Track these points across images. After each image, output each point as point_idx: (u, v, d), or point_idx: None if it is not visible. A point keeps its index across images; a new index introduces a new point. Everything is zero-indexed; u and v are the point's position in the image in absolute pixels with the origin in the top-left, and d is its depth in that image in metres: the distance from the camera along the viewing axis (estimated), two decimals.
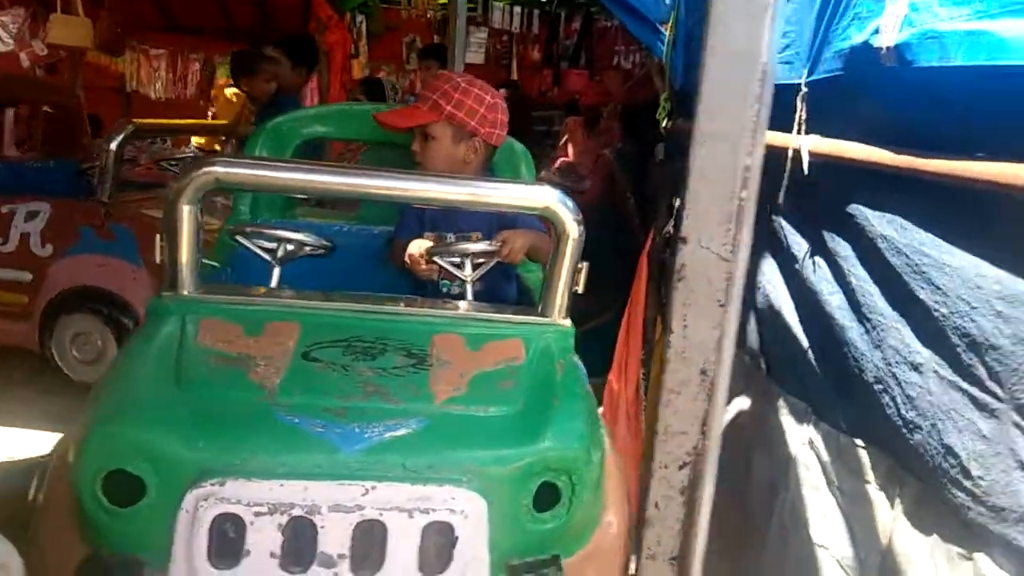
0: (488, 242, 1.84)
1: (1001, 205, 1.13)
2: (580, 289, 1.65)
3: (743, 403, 2.00)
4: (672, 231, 2.53)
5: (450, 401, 1.36)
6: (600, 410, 2.67)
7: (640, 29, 2.74)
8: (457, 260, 1.81)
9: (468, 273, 1.81)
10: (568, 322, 1.65)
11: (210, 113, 8.55)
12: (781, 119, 1.74)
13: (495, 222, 2.02)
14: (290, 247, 1.76)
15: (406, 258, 1.95)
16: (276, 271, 1.75)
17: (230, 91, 7.65)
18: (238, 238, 1.74)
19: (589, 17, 8.23)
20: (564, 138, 5.48)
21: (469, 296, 1.80)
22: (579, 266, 1.61)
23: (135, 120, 3.55)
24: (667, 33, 2.57)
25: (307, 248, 1.78)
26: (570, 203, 1.54)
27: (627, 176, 4.48)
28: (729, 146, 0.93)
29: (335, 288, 1.66)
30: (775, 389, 1.86)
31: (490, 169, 2.15)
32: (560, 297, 1.61)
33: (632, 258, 2.68)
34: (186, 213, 1.51)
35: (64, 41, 6.54)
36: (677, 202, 2.59)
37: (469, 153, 2.05)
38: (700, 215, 0.95)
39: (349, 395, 1.32)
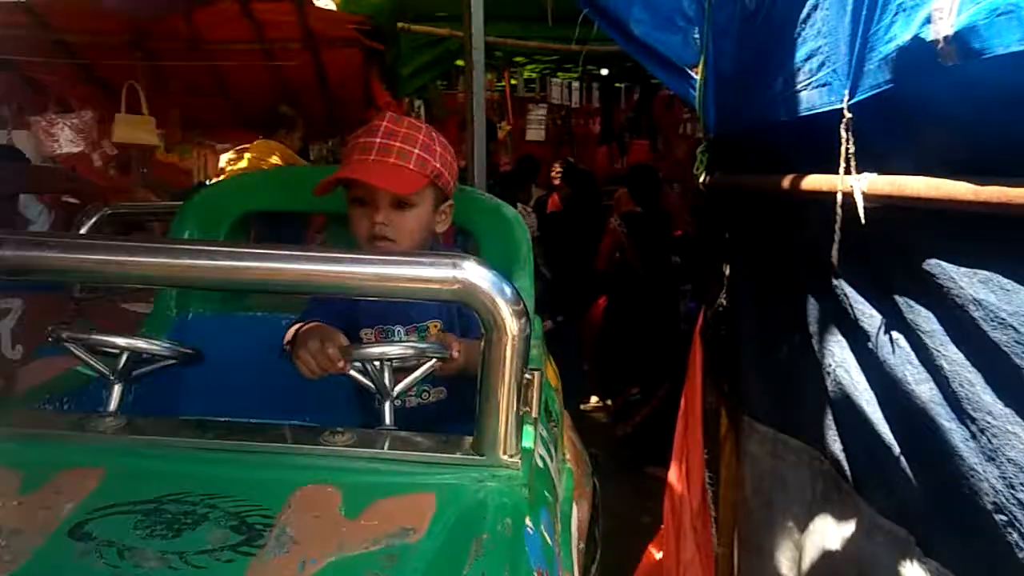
0: (436, 344, 1.40)
1: None
2: (533, 412, 1.24)
3: (825, 525, 1.54)
4: (725, 303, 2.12)
5: None
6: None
7: (670, 77, 2.41)
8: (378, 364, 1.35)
9: (387, 383, 1.34)
10: (518, 461, 1.17)
11: None
12: (823, 156, 1.35)
13: (454, 312, 1.62)
14: (133, 358, 1.36)
15: (301, 352, 1.38)
16: (116, 389, 1.36)
17: None
18: (69, 345, 1.34)
19: (649, 86, 7.98)
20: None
21: (387, 419, 1.34)
22: (526, 376, 1.18)
23: (110, 203, 3.32)
24: (698, 78, 2.23)
25: (162, 360, 1.41)
26: (507, 288, 1.13)
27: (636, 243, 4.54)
28: None
29: (236, 407, 1.27)
30: (865, 508, 1.40)
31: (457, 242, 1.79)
32: (503, 423, 1.16)
33: (665, 332, 2.27)
34: None
35: (128, 140, 6.78)
36: (727, 269, 2.20)
37: (440, 222, 1.69)
38: None
39: None
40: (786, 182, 1.54)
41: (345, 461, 1.20)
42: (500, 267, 1.90)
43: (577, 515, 1.75)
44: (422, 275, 1.13)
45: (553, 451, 1.62)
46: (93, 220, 2.67)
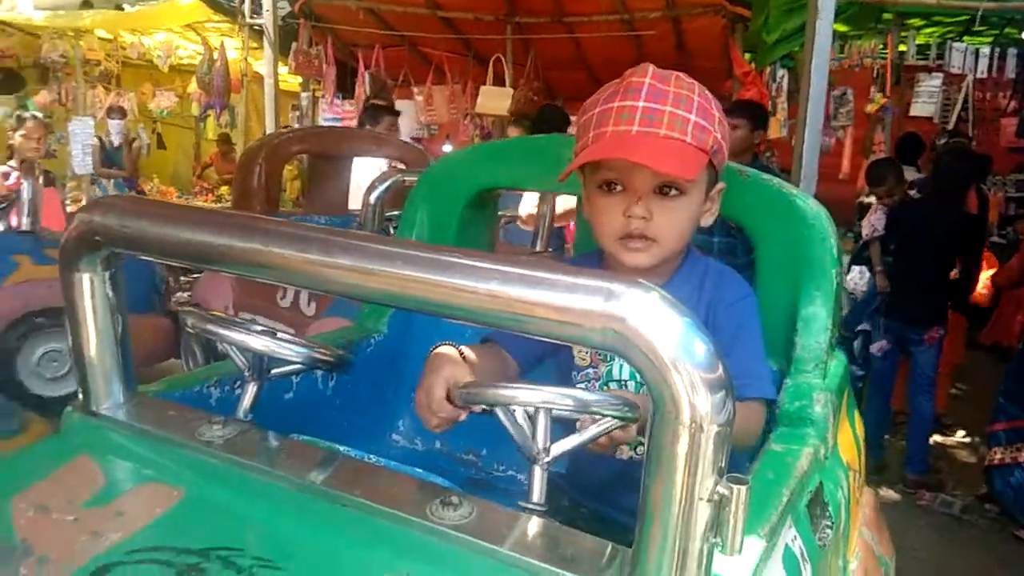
0: (623, 404, 0.91)
1: None
2: (731, 545, 0.72)
3: None
4: None
5: None
6: None
7: None
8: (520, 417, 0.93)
9: (541, 440, 0.92)
10: None
11: None
12: None
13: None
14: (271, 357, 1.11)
15: (416, 393, 1.05)
16: (251, 389, 1.12)
17: None
18: (209, 327, 1.10)
19: None
20: None
21: (534, 492, 0.93)
22: (720, 490, 0.70)
23: (403, 170, 3.20)
24: None
25: (303, 363, 1.12)
26: (698, 341, 0.68)
27: None
28: None
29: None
30: None
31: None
32: (669, 556, 0.72)
33: None
34: (86, 287, 1.01)
35: (488, 111, 7.14)
36: None
37: (708, 211, 1.22)
38: None
39: None
40: None
41: (446, 549, 0.83)
42: (783, 285, 1.40)
43: None
44: (553, 303, 0.71)
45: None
46: (384, 186, 2.60)
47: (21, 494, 0.96)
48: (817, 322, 1.34)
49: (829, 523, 1.16)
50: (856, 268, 4.91)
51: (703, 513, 0.72)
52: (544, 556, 0.81)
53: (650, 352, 0.68)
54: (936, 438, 4.38)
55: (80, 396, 1.10)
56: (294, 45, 7.49)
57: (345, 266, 0.81)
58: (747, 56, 7.24)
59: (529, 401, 0.93)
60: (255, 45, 7.88)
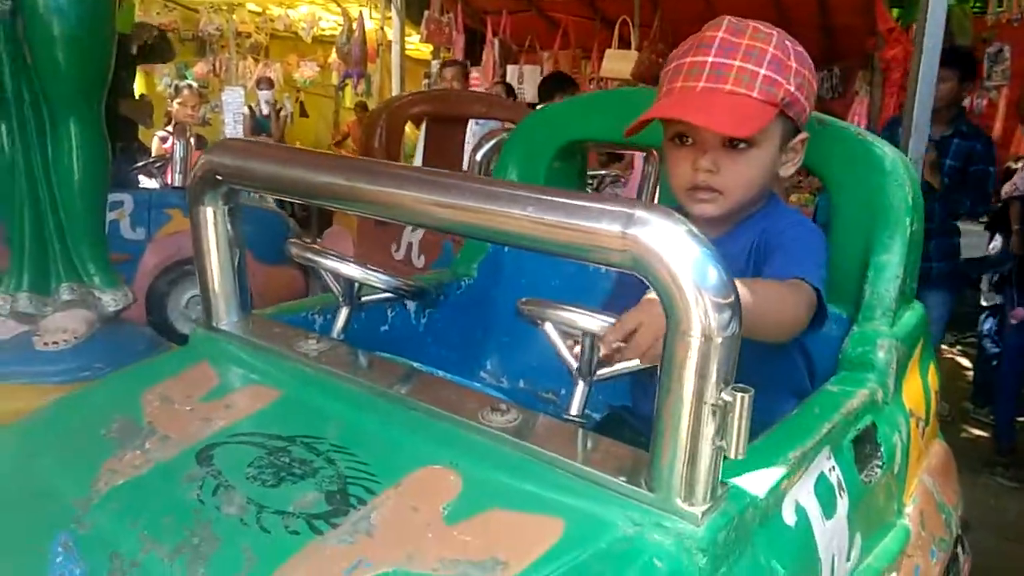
0: (603, 316, 1.01)
1: None
2: (735, 449, 0.79)
3: None
4: None
5: None
6: None
7: None
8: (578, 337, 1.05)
9: (589, 360, 1.04)
10: (698, 513, 0.80)
11: None
12: None
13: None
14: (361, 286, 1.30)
15: None
16: (343, 312, 1.30)
17: None
18: (309, 255, 1.30)
19: None
20: None
21: (574, 406, 1.05)
22: (724, 397, 0.77)
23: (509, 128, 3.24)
24: None
25: (384, 292, 1.29)
26: (706, 261, 0.75)
27: None
28: None
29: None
30: None
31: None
32: (680, 458, 0.80)
33: None
34: (209, 220, 1.18)
35: (613, 74, 7.12)
36: None
37: (788, 162, 1.25)
38: None
39: (152, 543, 0.87)
40: None
41: (490, 446, 0.95)
42: (857, 234, 1.41)
43: None
44: (576, 225, 0.80)
45: (861, 500, 1.12)
46: (489, 146, 2.72)
47: (151, 388, 1.16)
48: (888, 270, 1.34)
49: (880, 463, 1.19)
50: (998, 237, 4.62)
51: (709, 418, 0.79)
52: (573, 455, 0.91)
53: (662, 269, 0.76)
54: None
55: (204, 314, 1.29)
56: (426, 14, 7.72)
57: (407, 196, 0.94)
58: (894, 12, 6.82)
59: (571, 322, 1.03)
60: (391, 15, 8.19)
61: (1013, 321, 3.71)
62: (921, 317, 1.45)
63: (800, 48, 1.18)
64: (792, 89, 1.15)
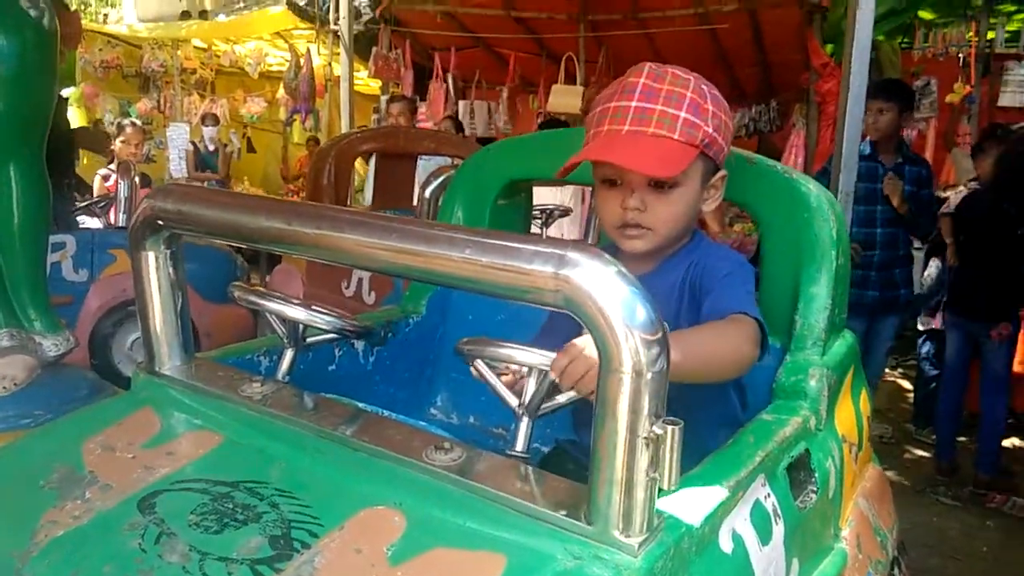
0: (542, 353, 1.04)
1: None
2: (667, 480, 0.82)
3: None
4: None
5: None
6: None
7: None
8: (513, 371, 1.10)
9: (531, 397, 1.07)
10: (635, 544, 0.83)
11: None
12: None
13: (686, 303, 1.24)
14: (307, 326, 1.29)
15: None
16: (288, 354, 1.28)
17: None
18: (252, 298, 1.28)
19: None
20: None
21: (519, 442, 1.07)
22: (655, 430, 0.81)
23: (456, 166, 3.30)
24: None
25: (330, 332, 1.29)
26: (634, 300, 0.79)
27: None
28: None
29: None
30: None
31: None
32: (616, 491, 0.83)
33: None
34: (151, 264, 1.19)
35: (559, 109, 7.24)
36: None
37: (709, 198, 1.32)
38: None
39: None
40: None
41: (434, 485, 0.96)
42: (786, 268, 1.47)
43: None
44: (511, 265, 0.83)
45: (795, 527, 1.16)
46: (437, 183, 2.74)
47: (92, 436, 1.15)
48: (817, 301, 1.40)
49: (814, 488, 1.24)
50: (934, 263, 4.77)
51: (643, 450, 0.82)
52: (515, 491, 0.93)
53: (593, 308, 0.80)
54: (1014, 440, 4.24)
55: (146, 359, 1.28)
56: (374, 50, 7.79)
57: (348, 240, 0.96)
58: (827, 48, 7.11)
59: (510, 358, 1.06)
60: (339, 51, 8.24)
61: (996, 339, 3.67)
62: (851, 346, 1.51)
63: (716, 92, 1.25)
64: (710, 131, 1.21)
